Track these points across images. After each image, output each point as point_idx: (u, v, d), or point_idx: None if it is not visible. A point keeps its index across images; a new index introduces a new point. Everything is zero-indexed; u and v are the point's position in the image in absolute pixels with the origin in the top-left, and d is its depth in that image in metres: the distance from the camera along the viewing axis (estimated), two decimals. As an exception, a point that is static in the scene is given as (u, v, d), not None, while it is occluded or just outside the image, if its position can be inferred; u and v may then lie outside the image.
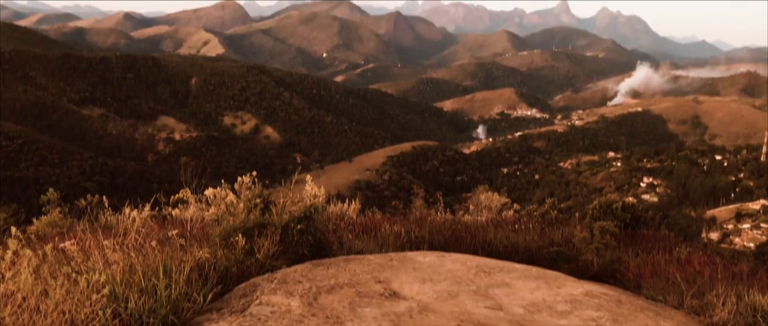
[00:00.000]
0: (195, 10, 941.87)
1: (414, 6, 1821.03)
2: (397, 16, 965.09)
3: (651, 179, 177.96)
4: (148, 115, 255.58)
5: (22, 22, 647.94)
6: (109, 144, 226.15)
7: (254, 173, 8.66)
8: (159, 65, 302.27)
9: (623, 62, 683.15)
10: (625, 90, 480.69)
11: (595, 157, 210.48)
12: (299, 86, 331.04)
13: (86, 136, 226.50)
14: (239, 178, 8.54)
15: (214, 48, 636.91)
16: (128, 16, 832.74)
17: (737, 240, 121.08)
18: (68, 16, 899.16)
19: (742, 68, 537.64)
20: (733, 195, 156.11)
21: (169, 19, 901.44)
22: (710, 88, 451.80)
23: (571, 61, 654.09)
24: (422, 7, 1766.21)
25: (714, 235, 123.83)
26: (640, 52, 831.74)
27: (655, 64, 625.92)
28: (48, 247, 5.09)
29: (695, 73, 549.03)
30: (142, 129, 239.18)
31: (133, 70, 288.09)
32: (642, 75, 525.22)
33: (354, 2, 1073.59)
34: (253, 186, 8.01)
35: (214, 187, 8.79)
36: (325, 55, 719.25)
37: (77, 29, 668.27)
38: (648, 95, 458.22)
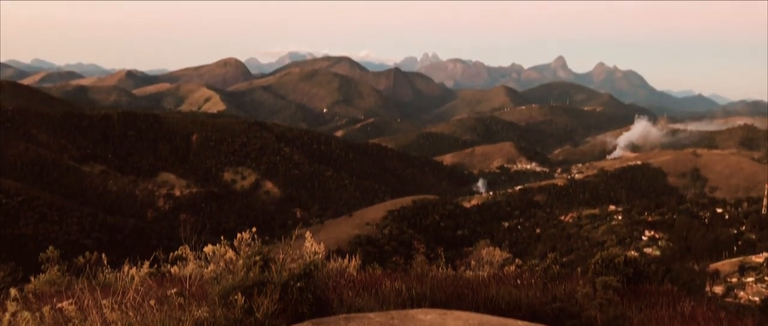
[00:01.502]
0: (197, 68, 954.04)
1: (413, 62, 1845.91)
2: (396, 73, 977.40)
3: (653, 232, 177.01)
4: (148, 172, 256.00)
5: (26, 81, 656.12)
6: (109, 200, 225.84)
7: (254, 229, 8.63)
8: (160, 122, 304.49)
9: (621, 116, 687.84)
10: (624, 143, 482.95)
11: (596, 211, 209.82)
12: (299, 141, 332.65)
13: (86, 192, 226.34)
14: (239, 235, 8.50)
15: (216, 104, 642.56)
16: (130, 74, 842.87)
17: (742, 294, 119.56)
18: (71, 75, 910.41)
19: (740, 121, 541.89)
20: (735, 248, 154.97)
21: (171, 77, 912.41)
22: (709, 141, 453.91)
23: (569, 115, 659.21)
24: (421, 63, 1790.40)
25: (718, 289, 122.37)
26: (638, 106, 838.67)
27: (653, 118, 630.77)
28: (45, 308, 5.08)
29: (693, 127, 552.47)
30: (143, 185, 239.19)
31: (135, 127, 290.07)
32: (640, 128, 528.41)
33: (354, 59, 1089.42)
34: (252, 243, 7.96)
35: (214, 244, 8.74)
36: (325, 110, 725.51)
37: (80, 87, 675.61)
38: (647, 148, 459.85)
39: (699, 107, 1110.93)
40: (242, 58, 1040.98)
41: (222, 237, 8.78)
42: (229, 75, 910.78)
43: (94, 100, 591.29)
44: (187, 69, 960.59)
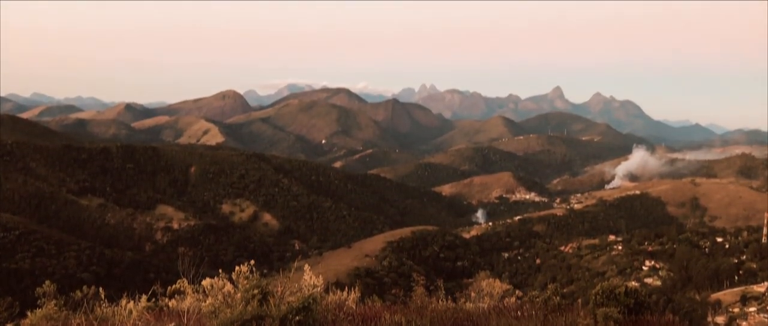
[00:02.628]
0: (195, 100, 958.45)
1: (411, 93, 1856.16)
2: (394, 103, 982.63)
3: (653, 262, 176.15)
4: (146, 204, 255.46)
5: (25, 115, 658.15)
6: (107, 234, 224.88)
7: (252, 262, 8.58)
8: (158, 155, 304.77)
9: (619, 146, 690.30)
10: (623, 173, 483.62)
11: (596, 241, 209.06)
12: (298, 172, 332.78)
13: (84, 225, 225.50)
14: (237, 267, 8.46)
15: (214, 137, 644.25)
16: (129, 107, 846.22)
17: (744, 323, 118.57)
18: (70, 108, 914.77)
19: (738, 150, 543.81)
20: (736, 277, 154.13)
21: (170, 110, 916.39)
22: (707, 170, 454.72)
23: (567, 146, 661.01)
24: (419, 94, 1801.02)
25: (720, 319, 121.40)
26: (635, 136, 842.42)
27: (651, 148, 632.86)
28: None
29: (691, 156, 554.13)
30: (141, 218, 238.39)
31: (133, 160, 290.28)
32: (638, 158, 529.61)
33: (352, 90, 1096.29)
34: (250, 276, 7.91)
35: (212, 277, 8.69)
36: (324, 141, 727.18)
37: (79, 121, 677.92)
38: (645, 178, 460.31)
39: (696, 136, 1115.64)
40: (241, 91, 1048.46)
41: (220, 270, 8.73)
42: (228, 107, 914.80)
43: (93, 133, 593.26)
44: (185, 102, 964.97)
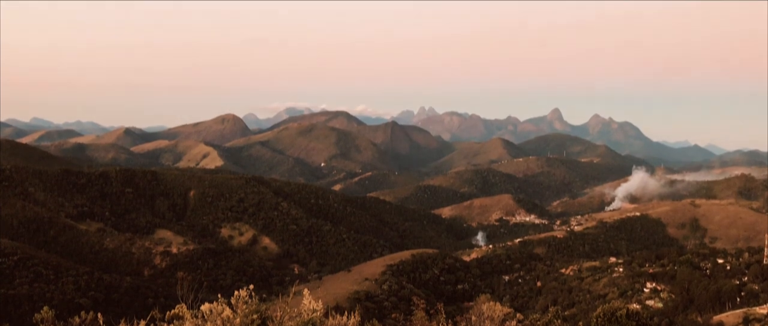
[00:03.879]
0: (195, 124, 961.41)
1: (410, 116, 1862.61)
2: (393, 126, 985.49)
3: (654, 284, 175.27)
4: (145, 229, 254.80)
5: (24, 140, 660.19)
6: (106, 258, 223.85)
7: (251, 286, 8.54)
8: (158, 179, 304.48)
9: (618, 167, 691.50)
10: (622, 194, 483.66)
11: (597, 263, 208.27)
12: (297, 196, 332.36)
13: (83, 250, 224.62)
14: (236, 292, 8.40)
15: (214, 160, 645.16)
16: (129, 132, 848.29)
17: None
18: (69, 133, 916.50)
19: (737, 171, 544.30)
20: (738, 299, 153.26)
21: (169, 134, 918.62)
22: (707, 191, 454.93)
23: (566, 167, 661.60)
24: (418, 116, 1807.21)
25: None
26: (635, 157, 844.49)
27: (650, 169, 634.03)
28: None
29: (691, 177, 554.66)
30: (139, 243, 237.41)
31: (132, 184, 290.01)
32: (638, 179, 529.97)
33: (351, 113, 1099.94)
34: (249, 301, 7.86)
35: (211, 301, 8.63)
36: (323, 164, 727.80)
37: (78, 145, 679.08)
38: (645, 199, 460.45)
39: (695, 157, 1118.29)
40: (240, 115, 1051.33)
41: (219, 295, 8.68)
42: (228, 131, 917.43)
43: (92, 157, 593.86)
44: (185, 125, 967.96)
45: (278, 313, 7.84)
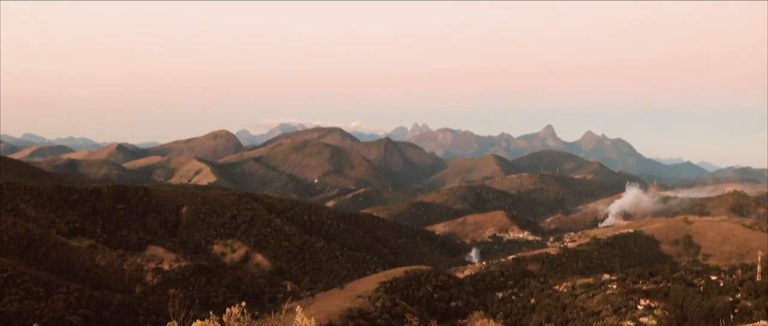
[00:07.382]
0: (188, 140, 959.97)
1: (403, 132, 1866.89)
2: (387, 142, 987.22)
3: (648, 301, 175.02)
4: (137, 245, 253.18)
5: (16, 156, 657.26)
6: (97, 275, 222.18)
7: (243, 303, 8.44)
8: (150, 195, 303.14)
9: (611, 184, 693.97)
10: (616, 211, 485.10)
11: (591, 280, 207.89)
12: (290, 212, 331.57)
13: (74, 267, 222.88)
14: (228, 309, 8.30)
15: (206, 176, 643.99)
16: (121, 148, 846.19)
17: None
18: (62, 149, 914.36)
19: (730, 188, 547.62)
20: (732, 316, 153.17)
21: (162, 150, 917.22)
22: (700, 208, 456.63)
23: (559, 184, 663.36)
24: (411, 133, 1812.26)
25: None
26: (628, 174, 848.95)
27: (644, 186, 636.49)
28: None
29: (684, 194, 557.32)
30: (131, 259, 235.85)
31: (124, 201, 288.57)
32: (631, 196, 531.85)
33: (345, 130, 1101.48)
34: (242, 318, 7.76)
35: (203, 319, 8.51)
36: (316, 180, 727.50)
37: (70, 161, 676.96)
38: (638, 216, 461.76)
39: (688, 174, 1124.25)
40: (233, 131, 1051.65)
41: (211, 312, 8.57)
42: (220, 147, 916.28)
43: (84, 173, 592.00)
44: (177, 142, 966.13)
45: (271, 330, 7.74)
